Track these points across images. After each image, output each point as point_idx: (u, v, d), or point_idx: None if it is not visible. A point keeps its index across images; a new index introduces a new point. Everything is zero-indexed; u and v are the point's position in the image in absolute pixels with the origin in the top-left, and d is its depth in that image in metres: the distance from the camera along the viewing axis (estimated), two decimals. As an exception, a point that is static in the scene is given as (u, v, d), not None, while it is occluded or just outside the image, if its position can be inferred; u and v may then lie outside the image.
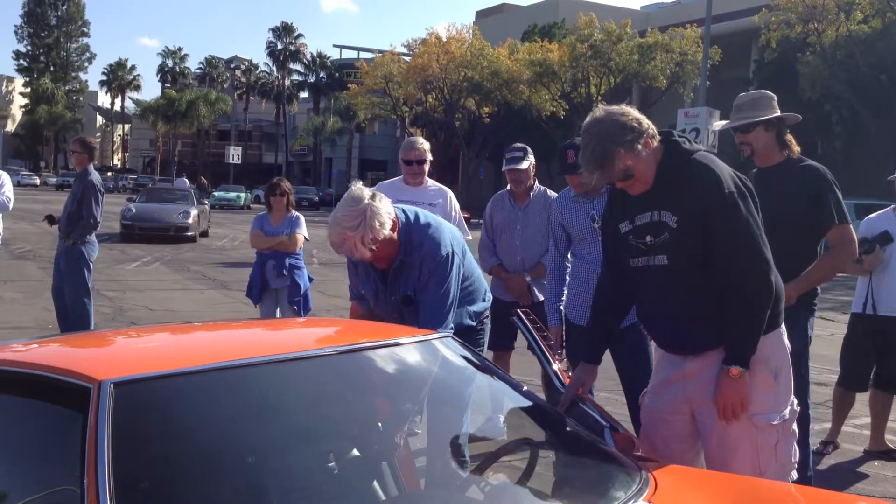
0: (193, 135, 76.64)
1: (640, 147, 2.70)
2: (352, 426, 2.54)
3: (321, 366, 2.41)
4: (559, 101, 41.80)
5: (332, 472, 2.32)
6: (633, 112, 2.75)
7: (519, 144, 5.14)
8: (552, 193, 5.07)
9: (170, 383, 2.10)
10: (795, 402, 2.90)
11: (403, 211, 3.39)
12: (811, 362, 4.02)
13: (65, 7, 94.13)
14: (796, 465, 2.91)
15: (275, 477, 2.19)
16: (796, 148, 3.96)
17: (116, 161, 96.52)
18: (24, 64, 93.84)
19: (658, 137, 2.78)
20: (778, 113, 3.89)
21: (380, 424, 2.64)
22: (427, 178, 5.14)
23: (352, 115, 59.17)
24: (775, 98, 3.97)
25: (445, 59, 44.47)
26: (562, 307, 4.29)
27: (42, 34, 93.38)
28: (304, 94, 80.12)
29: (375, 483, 2.43)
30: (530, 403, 2.72)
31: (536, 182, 5.11)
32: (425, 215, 3.46)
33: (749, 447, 2.76)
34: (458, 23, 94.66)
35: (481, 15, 62.91)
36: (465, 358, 2.79)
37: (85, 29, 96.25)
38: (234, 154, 53.47)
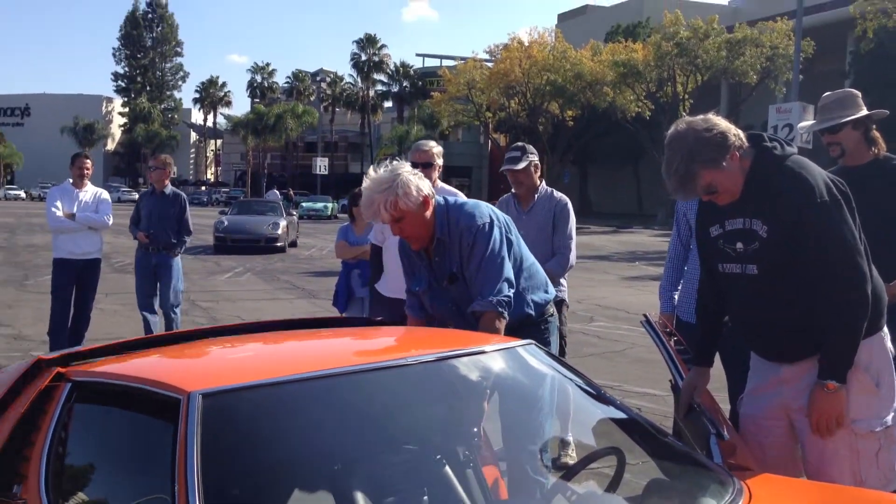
0: (282, 147, 78.52)
1: (724, 163, 2.61)
2: (437, 434, 2.55)
3: (406, 375, 2.42)
4: (644, 101, 41.15)
5: (418, 481, 2.33)
6: (720, 125, 2.64)
7: (519, 143, 4.97)
8: (559, 196, 4.88)
9: (256, 394, 2.14)
10: None
11: (444, 198, 3.42)
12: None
13: (159, 28, 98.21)
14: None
15: (361, 485, 2.21)
16: (883, 145, 3.88)
17: (210, 175, 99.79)
18: (122, 85, 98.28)
19: (746, 145, 2.68)
20: (865, 111, 3.81)
21: (465, 432, 2.64)
22: (440, 182, 4.88)
23: (435, 123, 59.61)
24: (860, 95, 3.89)
25: (528, 63, 44.36)
26: (675, 296, 4.23)
27: (138, 55, 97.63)
28: (388, 104, 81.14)
29: (462, 491, 2.42)
30: (617, 411, 2.67)
31: (543, 183, 4.92)
32: (465, 199, 3.47)
33: (849, 455, 2.65)
34: (540, 26, 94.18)
35: (564, 17, 62.51)
36: (549, 365, 2.76)
37: (178, 49, 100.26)
38: (321, 165, 54.56)
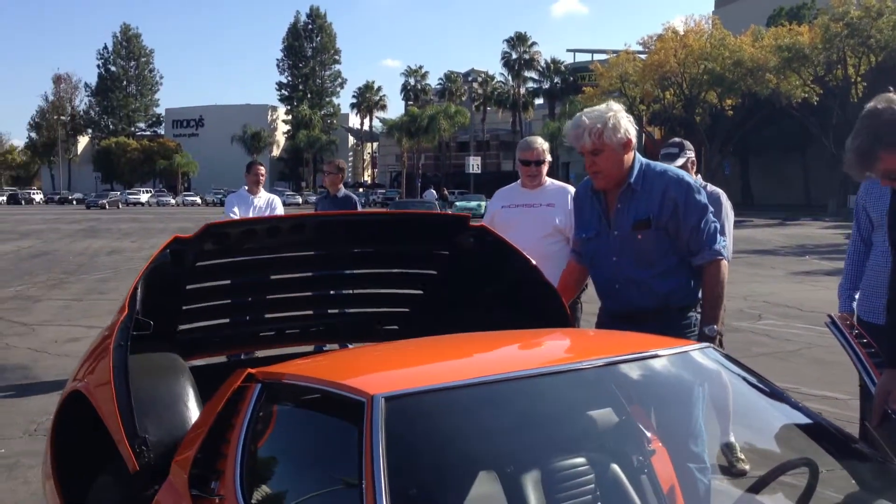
0: (435, 148, 79.95)
1: None
2: (611, 440, 2.51)
3: (581, 379, 2.40)
4: (812, 86, 38.98)
5: (591, 486, 2.30)
6: None
7: (676, 139, 4.90)
8: (712, 189, 4.74)
9: (436, 397, 2.19)
10: None
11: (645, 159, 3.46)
12: None
13: (319, 38, 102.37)
14: None
15: (535, 489, 2.21)
16: None
17: (367, 177, 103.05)
18: (286, 94, 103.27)
19: None
20: None
21: (639, 438, 2.59)
22: (547, 178, 4.90)
23: (587, 118, 58.81)
24: None
25: (683, 52, 43.05)
26: (857, 295, 4.02)
27: (300, 65, 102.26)
28: (539, 101, 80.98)
29: (636, 497, 2.38)
30: (804, 416, 2.53)
31: (699, 178, 4.77)
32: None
33: None
34: (696, 14, 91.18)
35: (721, 3, 60.20)
36: (728, 369, 2.65)
37: (337, 57, 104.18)
38: (474, 164, 55.06)
